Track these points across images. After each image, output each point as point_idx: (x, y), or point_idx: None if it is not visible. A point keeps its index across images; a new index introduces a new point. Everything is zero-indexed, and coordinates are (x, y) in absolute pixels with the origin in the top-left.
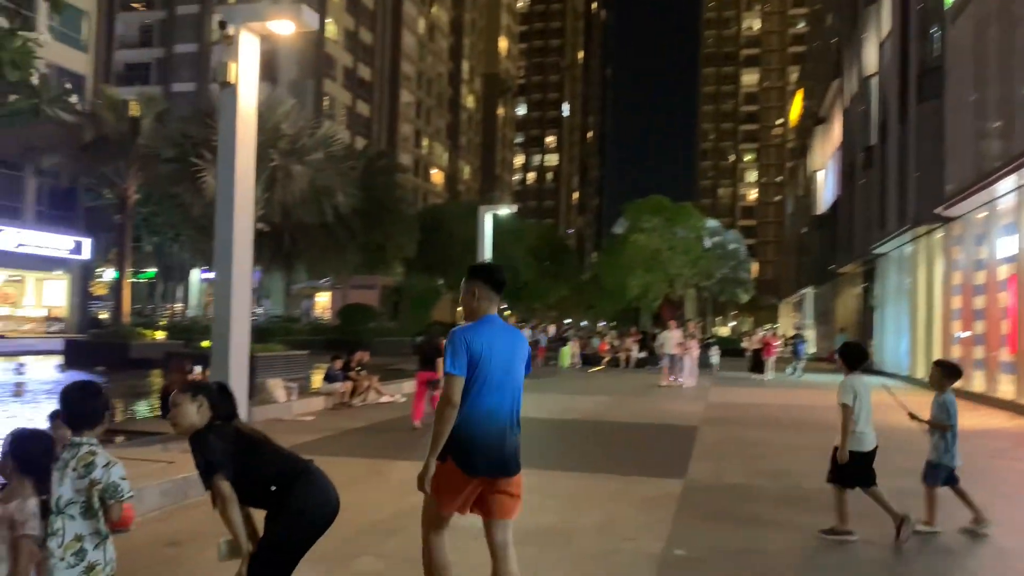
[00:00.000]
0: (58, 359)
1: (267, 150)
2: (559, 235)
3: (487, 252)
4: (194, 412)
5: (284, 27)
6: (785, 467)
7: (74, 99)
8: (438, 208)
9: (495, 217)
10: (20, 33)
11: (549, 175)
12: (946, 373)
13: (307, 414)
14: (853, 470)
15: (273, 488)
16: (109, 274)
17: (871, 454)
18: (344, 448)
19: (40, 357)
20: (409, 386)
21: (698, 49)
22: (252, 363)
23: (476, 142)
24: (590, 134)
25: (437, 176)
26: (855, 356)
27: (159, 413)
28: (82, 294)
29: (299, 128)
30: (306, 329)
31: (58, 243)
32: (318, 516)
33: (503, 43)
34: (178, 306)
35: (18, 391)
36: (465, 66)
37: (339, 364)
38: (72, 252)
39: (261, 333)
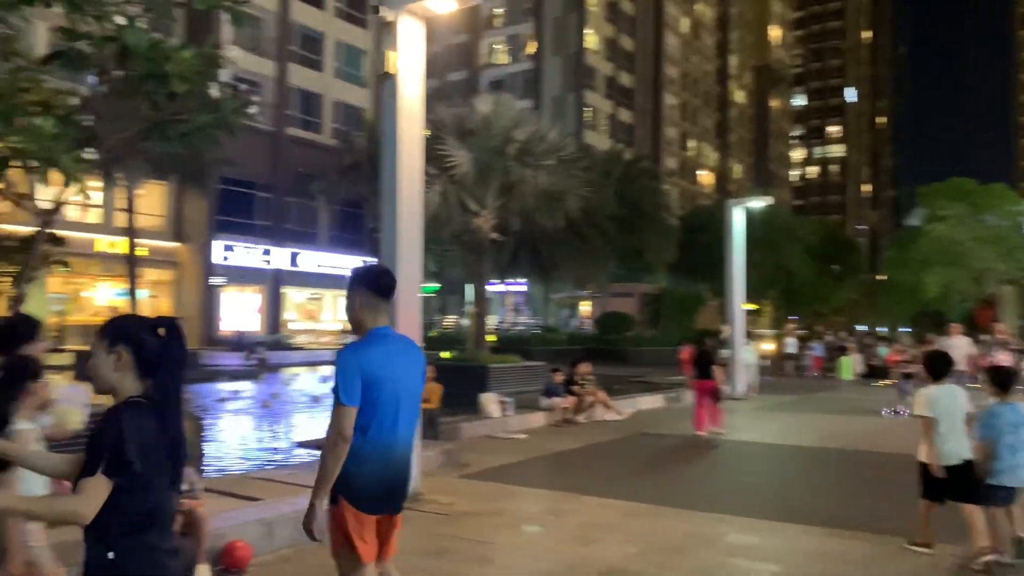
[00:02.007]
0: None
1: (498, 158)
2: (844, 232)
3: (738, 251)
4: (110, 367)
5: (445, 4)
6: None
7: (254, 109)
8: (702, 210)
9: (765, 216)
10: (191, 47)
11: (834, 168)
12: (989, 380)
13: (522, 431)
14: (936, 484)
15: (111, 555)
16: None
17: (955, 469)
18: (537, 475)
19: (324, 368)
20: (645, 401)
21: (1011, 9)
22: (485, 375)
23: (748, 139)
24: (881, 119)
25: (706, 177)
26: (938, 365)
27: None
28: None
29: (529, 134)
30: (564, 339)
31: (349, 263)
32: None
33: (775, 32)
34: (451, 319)
35: (267, 403)
36: (733, 61)
37: (559, 377)
38: None
39: (513, 343)
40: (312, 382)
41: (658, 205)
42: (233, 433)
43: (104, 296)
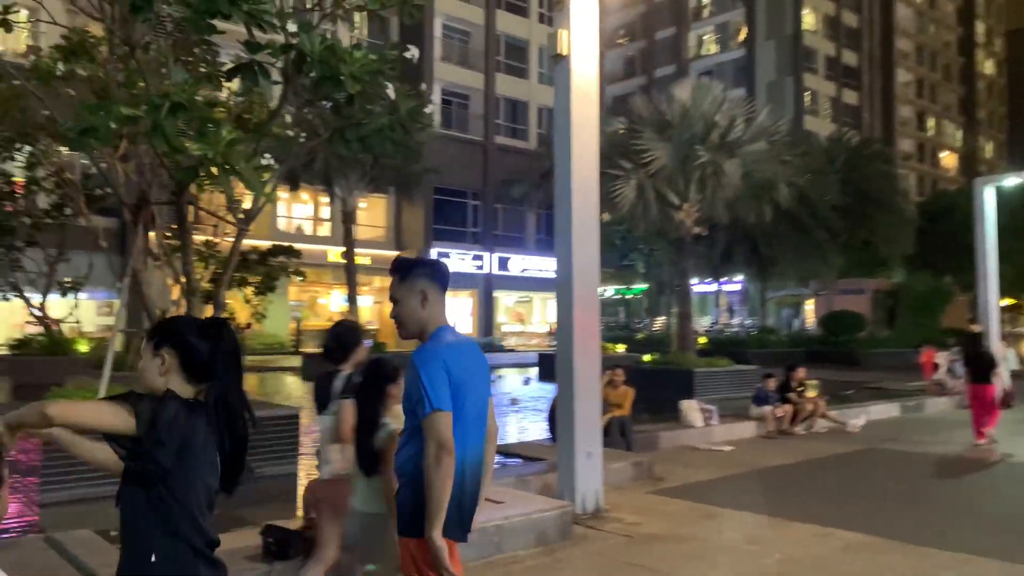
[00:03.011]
0: (534, 371)
1: (698, 146)
2: None
3: (990, 238)
4: (155, 372)
5: None
6: None
7: (428, 109)
8: (945, 194)
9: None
10: (361, 50)
11: None
12: None
13: (728, 443)
14: None
15: (153, 557)
16: (607, 292)
17: None
18: (741, 494)
19: (528, 369)
20: (878, 410)
21: None
22: (689, 380)
23: (1000, 113)
24: None
25: (948, 159)
26: None
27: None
28: None
29: (732, 116)
30: (784, 341)
31: (553, 266)
32: None
33: None
34: (660, 320)
35: None
36: (980, 28)
37: (772, 384)
38: None
39: (727, 345)
40: (518, 383)
41: (892, 191)
42: None
43: (335, 303)
